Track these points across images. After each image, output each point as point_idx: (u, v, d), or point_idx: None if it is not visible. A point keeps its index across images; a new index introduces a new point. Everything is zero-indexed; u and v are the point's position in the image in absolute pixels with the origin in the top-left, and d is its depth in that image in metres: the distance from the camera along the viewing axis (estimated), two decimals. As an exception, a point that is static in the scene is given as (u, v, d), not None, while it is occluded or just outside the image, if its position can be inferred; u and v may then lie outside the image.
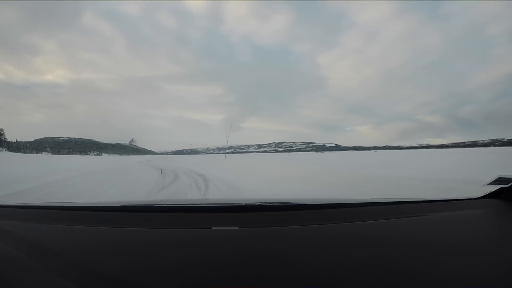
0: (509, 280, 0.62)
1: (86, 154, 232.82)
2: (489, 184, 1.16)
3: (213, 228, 0.84)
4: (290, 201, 1.19)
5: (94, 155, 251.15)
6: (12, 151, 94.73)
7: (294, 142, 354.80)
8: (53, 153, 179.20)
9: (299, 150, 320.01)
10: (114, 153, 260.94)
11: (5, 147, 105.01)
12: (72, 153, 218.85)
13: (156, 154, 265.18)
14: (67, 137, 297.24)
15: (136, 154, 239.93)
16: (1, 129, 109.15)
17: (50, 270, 0.62)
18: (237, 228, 0.85)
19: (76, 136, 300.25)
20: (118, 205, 1.17)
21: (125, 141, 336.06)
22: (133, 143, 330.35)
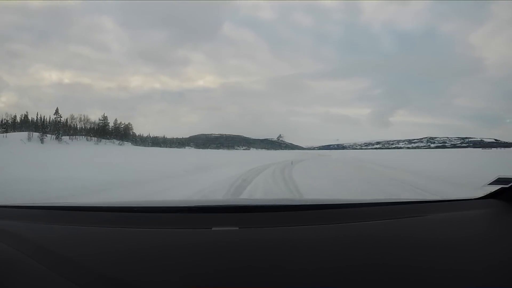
0: (509, 280, 0.62)
1: (233, 149, 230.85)
2: (489, 184, 1.16)
3: (213, 229, 0.83)
4: (290, 202, 1.11)
5: (243, 149, 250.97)
6: (135, 145, 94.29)
7: (447, 137, 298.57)
8: (197, 147, 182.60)
9: (453, 146, 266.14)
10: (262, 148, 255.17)
11: (130, 141, 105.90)
12: (220, 148, 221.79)
13: (303, 149, 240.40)
14: (219, 134, 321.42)
15: (283, 149, 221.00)
16: (129, 123, 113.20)
17: (50, 271, 0.61)
18: (237, 228, 0.84)
19: (227, 133, 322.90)
20: (118, 205, 1.17)
21: (272, 136, 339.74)
22: (280, 139, 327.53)
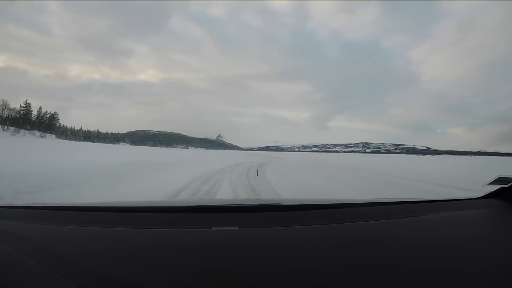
0: (509, 280, 0.62)
1: (171, 147, 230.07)
2: (489, 184, 1.16)
3: (213, 229, 0.84)
4: (290, 202, 1.19)
5: (181, 148, 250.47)
6: (60, 138, 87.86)
7: (382, 143, 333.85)
8: (133, 144, 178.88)
9: (387, 151, 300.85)
10: (200, 147, 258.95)
11: (55, 133, 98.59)
12: (157, 145, 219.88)
13: (242, 150, 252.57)
14: (157, 131, 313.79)
15: (222, 149, 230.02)
16: (56, 112, 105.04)
17: (50, 271, 0.62)
18: (237, 228, 0.85)
19: (165, 130, 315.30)
20: (118, 205, 1.17)
21: (212, 136, 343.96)
22: (220, 138, 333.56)
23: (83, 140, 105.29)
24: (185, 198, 4.90)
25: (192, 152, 38.08)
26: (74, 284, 0.57)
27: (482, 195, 1.18)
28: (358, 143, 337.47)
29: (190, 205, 1.16)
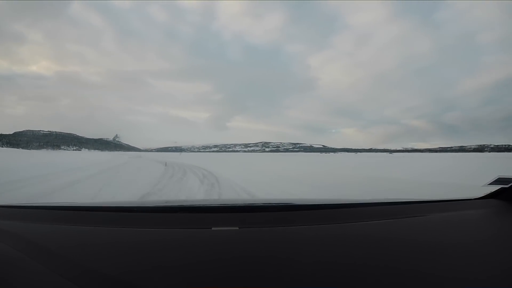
0: (509, 280, 0.62)
1: (59, 149, 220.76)
2: (489, 184, 1.16)
3: (213, 229, 0.85)
4: (290, 202, 1.20)
5: (73, 150, 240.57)
6: None
7: (281, 142, 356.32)
8: (11, 146, 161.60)
9: (286, 150, 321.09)
10: (95, 149, 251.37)
11: None
12: (43, 148, 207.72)
13: (140, 151, 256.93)
14: (48, 131, 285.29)
15: (119, 150, 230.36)
16: None
17: (50, 270, 0.62)
18: (237, 228, 0.85)
19: (58, 130, 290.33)
20: (118, 205, 1.17)
21: (108, 136, 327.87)
22: (117, 139, 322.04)
23: None
24: (185, 198, 5.15)
25: (74, 156, 31.21)
26: (74, 284, 0.57)
27: (482, 195, 1.18)
28: (257, 143, 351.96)
29: (190, 205, 1.16)
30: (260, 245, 0.76)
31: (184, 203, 1.35)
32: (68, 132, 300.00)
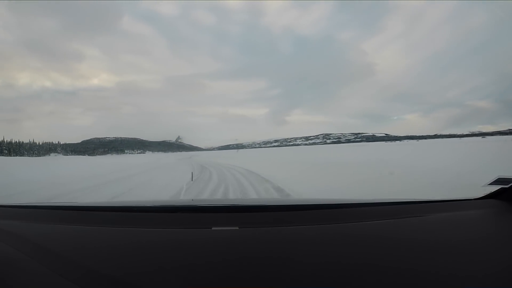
0: (509, 280, 0.62)
1: (123, 153, 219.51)
2: (489, 184, 1.16)
3: (213, 228, 0.84)
4: (290, 202, 1.13)
5: (137, 153, 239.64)
6: None
7: (342, 133, 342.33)
8: (74, 154, 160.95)
9: (348, 141, 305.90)
10: (159, 151, 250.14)
11: None
12: (107, 153, 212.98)
13: (202, 150, 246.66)
14: (113, 137, 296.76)
15: (181, 151, 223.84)
16: None
17: (50, 270, 0.62)
18: (237, 228, 0.85)
19: (122, 136, 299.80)
20: (119, 205, 1.16)
21: (171, 138, 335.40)
22: (179, 140, 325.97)
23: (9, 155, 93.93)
24: (185, 198, 5.18)
25: (137, 160, 29.46)
26: (74, 284, 0.57)
27: (482, 195, 1.18)
28: (318, 135, 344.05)
29: (190, 205, 1.16)
30: (260, 245, 0.76)
31: (184, 203, 1.35)
32: (132, 137, 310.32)
